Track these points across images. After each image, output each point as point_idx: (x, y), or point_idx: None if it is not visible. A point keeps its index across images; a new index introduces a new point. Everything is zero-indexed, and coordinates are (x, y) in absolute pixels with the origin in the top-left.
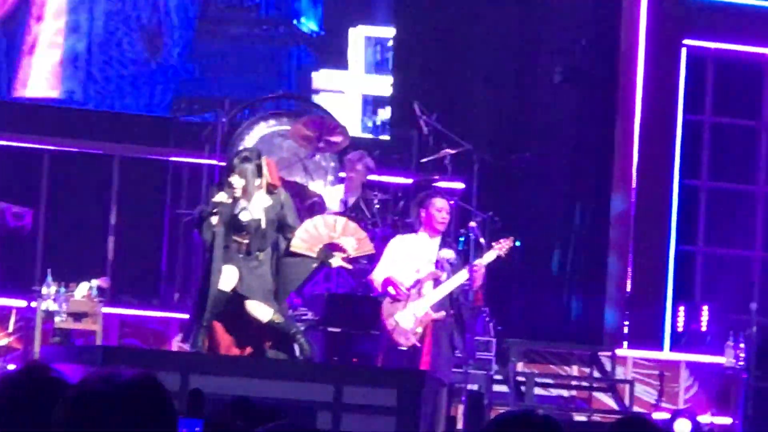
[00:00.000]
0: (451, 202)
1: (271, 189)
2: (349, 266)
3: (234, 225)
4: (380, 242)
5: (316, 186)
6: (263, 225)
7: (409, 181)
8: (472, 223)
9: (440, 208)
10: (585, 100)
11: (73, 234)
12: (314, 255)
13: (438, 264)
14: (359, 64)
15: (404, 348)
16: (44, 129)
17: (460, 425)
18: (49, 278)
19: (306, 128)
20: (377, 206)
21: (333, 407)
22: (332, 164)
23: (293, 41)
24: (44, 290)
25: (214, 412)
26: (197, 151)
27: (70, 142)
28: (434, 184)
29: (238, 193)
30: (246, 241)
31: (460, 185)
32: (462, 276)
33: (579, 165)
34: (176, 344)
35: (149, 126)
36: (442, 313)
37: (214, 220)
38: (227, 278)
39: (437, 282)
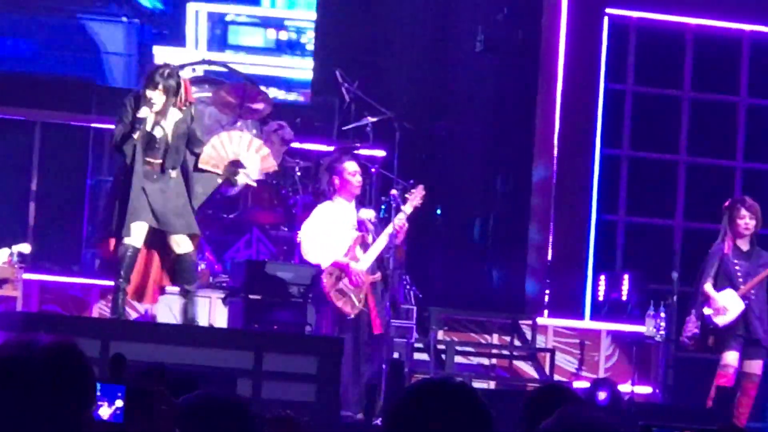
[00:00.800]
0: (373, 169)
1: (183, 107)
2: (253, 183)
3: (147, 143)
4: (302, 210)
5: None
6: (174, 139)
7: (331, 148)
8: (393, 191)
9: (353, 172)
10: (506, 68)
11: None
12: (220, 172)
13: (362, 226)
14: (200, 40)
15: (352, 317)
16: None
17: (380, 393)
18: None
19: (228, 95)
20: (298, 174)
21: (253, 374)
22: (254, 131)
23: (134, 17)
24: None
25: (132, 378)
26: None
27: None
28: (355, 152)
29: (157, 108)
30: (159, 161)
31: (381, 153)
32: (389, 231)
33: (500, 133)
34: (97, 311)
35: (71, 92)
36: (378, 275)
37: (136, 134)
38: (137, 235)
39: (365, 245)
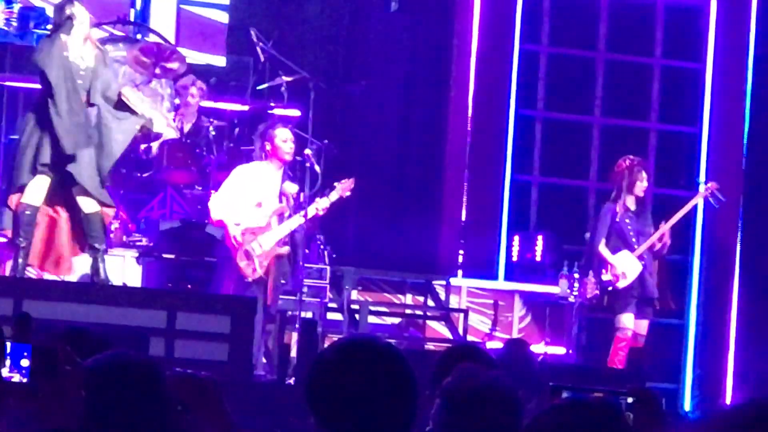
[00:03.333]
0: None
1: (98, 48)
2: (176, 134)
3: (70, 72)
4: (216, 170)
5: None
6: (95, 73)
7: (245, 108)
8: (308, 151)
9: (285, 139)
10: (421, 29)
11: None
12: (139, 112)
13: (281, 198)
14: None
15: (250, 280)
16: None
17: (293, 353)
18: None
19: (142, 55)
20: (213, 133)
21: (166, 333)
22: (168, 91)
23: None
24: None
25: (45, 338)
26: (33, 76)
27: None
28: (270, 112)
29: (82, 27)
30: (84, 98)
31: (296, 113)
32: (299, 218)
33: (415, 93)
34: (9, 269)
35: None
36: (286, 248)
37: (61, 38)
38: (35, 193)
39: (281, 217)
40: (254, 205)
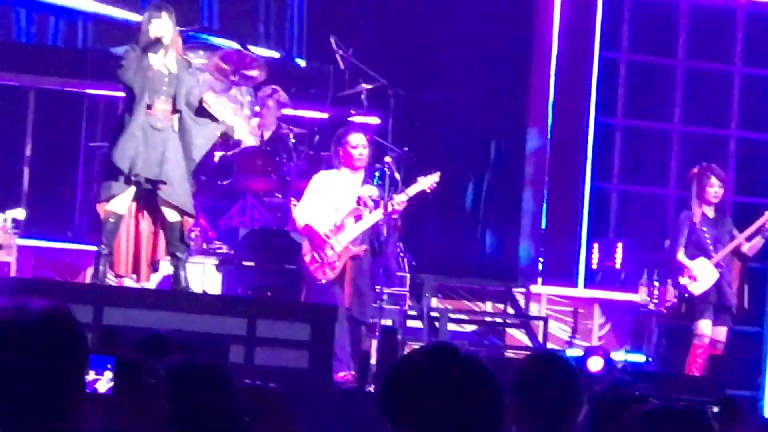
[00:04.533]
0: (366, 136)
1: (181, 56)
2: (256, 141)
3: (154, 84)
4: (296, 177)
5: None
6: (180, 76)
7: (325, 115)
8: (387, 158)
9: (356, 145)
10: (502, 35)
11: None
12: (220, 119)
13: (360, 201)
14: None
15: (323, 282)
16: None
17: (373, 361)
18: None
19: (222, 62)
20: (293, 141)
21: (246, 341)
22: (248, 98)
23: None
24: None
25: (128, 350)
26: (113, 83)
27: None
28: (349, 119)
29: (167, 38)
30: (166, 107)
31: (375, 120)
32: (379, 213)
33: (495, 100)
34: (89, 276)
35: (66, 58)
36: (363, 247)
37: (144, 61)
38: (121, 202)
39: (358, 218)
40: (332, 211)
